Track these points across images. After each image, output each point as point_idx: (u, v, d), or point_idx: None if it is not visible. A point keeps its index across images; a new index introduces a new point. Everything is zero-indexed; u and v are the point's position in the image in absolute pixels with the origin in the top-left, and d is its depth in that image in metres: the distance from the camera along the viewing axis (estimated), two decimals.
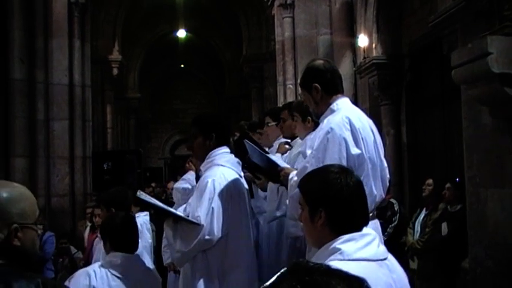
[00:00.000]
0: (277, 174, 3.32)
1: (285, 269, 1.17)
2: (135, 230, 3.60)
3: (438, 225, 6.30)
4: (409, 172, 8.14)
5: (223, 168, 3.52)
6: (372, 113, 7.78)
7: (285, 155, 4.31)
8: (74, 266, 7.45)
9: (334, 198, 2.02)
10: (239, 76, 18.59)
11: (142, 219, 5.25)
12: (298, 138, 4.16)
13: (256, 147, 3.51)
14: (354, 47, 8.84)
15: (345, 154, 2.89)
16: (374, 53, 8.27)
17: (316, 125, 3.41)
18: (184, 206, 3.62)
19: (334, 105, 3.10)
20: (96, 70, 13.29)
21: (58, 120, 9.95)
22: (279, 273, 1.17)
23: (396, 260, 2.09)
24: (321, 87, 3.13)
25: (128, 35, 17.77)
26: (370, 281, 1.18)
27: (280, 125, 4.46)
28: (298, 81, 9.14)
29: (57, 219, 9.58)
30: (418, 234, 6.53)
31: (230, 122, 15.61)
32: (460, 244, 5.53)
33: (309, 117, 3.72)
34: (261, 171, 3.51)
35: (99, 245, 4.42)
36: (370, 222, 3.02)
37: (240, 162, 3.67)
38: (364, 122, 3.06)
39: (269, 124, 4.83)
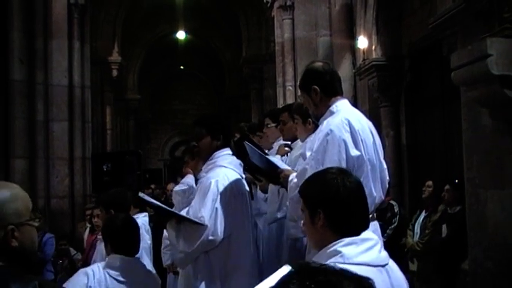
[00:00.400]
0: (277, 176, 3.32)
1: (289, 269, 1.17)
2: (136, 232, 3.59)
3: (438, 227, 6.30)
4: (409, 173, 8.14)
5: (226, 169, 3.53)
6: (372, 115, 7.78)
7: (285, 157, 4.30)
8: (74, 268, 7.43)
9: (331, 199, 2.02)
10: (239, 76, 18.59)
11: (141, 220, 5.24)
12: (298, 140, 4.16)
13: (256, 149, 3.52)
14: (353, 49, 8.85)
15: (344, 156, 2.89)
16: (373, 55, 8.27)
17: (316, 127, 3.41)
18: (187, 209, 3.63)
19: (333, 107, 3.10)
20: (95, 71, 13.29)
21: (58, 121, 9.94)
22: (282, 274, 1.17)
23: (397, 264, 2.09)
24: (320, 89, 3.14)
25: (128, 35, 17.78)
26: None
27: (280, 127, 4.45)
28: (298, 82, 9.15)
29: (56, 220, 9.57)
30: (417, 236, 6.54)
31: (230, 123, 15.61)
32: (459, 246, 5.53)
33: (310, 119, 3.72)
34: (261, 172, 3.52)
35: (99, 246, 4.42)
36: (370, 224, 3.03)
37: (242, 164, 3.68)
38: (363, 124, 3.07)
39: (269, 125, 4.83)
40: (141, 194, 3.51)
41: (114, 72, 15.94)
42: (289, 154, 4.30)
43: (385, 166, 3.20)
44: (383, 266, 1.98)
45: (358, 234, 1.99)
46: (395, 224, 6.86)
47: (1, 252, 1.96)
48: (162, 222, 3.71)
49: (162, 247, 5.91)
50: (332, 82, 3.18)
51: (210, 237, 3.33)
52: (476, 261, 4.92)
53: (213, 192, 3.39)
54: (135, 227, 3.62)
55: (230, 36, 19.41)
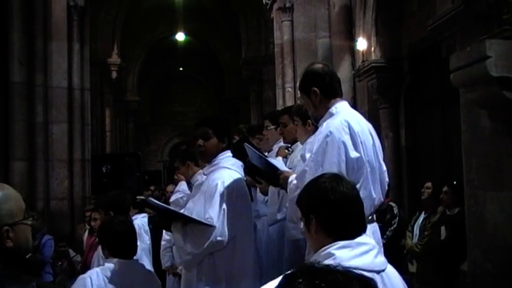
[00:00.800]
0: (276, 178, 3.32)
1: (292, 270, 1.18)
2: (133, 234, 3.58)
3: (437, 229, 6.31)
4: (408, 175, 8.15)
5: (230, 171, 3.54)
6: (371, 116, 7.78)
7: (285, 159, 4.31)
8: (73, 270, 7.44)
9: (321, 204, 2.04)
10: (238, 78, 18.61)
11: (140, 221, 5.26)
12: (298, 142, 4.16)
13: (256, 151, 3.52)
14: (352, 50, 8.85)
15: (343, 157, 2.90)
16: (373, 56, 8.28)
17: (316, 128, 3.41)
18: (182, 210, 3.63)
19: (333, 109, 3.11)
20: (95, 73, 13.31)
21: (57, 123, 9.94)
22: (285, 275, 1.17)
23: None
24: (320, 91, 3.14)
25: (128, 36, 17.79)
26: None
27: (281, 129, 4.45)
28: (297, 84, 9.15)
29: (56, 222, 9.57)
30: (417, 238, 6.53)
31: (230, 125, 15.63)
32: (458, 247, 5.53)
33: (309, 121, 3.72)
34: (261, 174, 3.52)
35: (99, 249, 4.41)
36: (370, 226, 3.03)
37: (243, 166, 3.68)
38: (363, 126, 3.07)
39: (268, 128, 4.83)
40: (147, 198, 3.51)
41: (114, 74, 15.97)
42: (289, 156, 4.30)
43: (384, 168, 3.20)
44: (378, 272, 1.97)
45: (352, 238, 1.99)
46: (395, 225, 6.86)
47: None
48: (165, 224, 3.68)
49: (162, 249, 5.91)
50: (332, 84, 3.18)
51: (219, 238, 3.33)
52: (476, 263, 4.92)
53: (220, 193, 3.40)
54: (132, 229, 3.61)
55: (230, 37, 19.42)
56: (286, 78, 10.15)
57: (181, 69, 24.22)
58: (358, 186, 2.94)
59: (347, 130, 2.94)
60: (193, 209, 3.52)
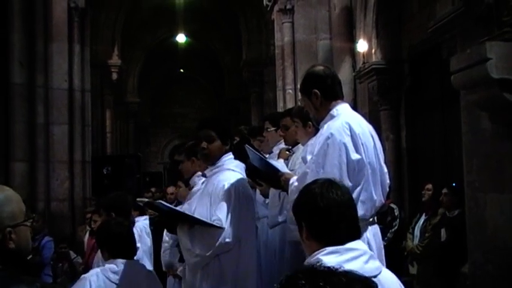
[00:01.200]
0: (277, 180, 3.32)
1: (293, 272, 1.18)
2: (131, 235, 3.58)
3: (437, 231, 6.30)
4: (409, 177, 8.14)
5: (234, 172, 3.54)
6: (371, 118, 7.79)
7: (286, 161, 4.31)
8: (74, 271, 7.44)
9: (310, 210, 2.04)
10: (239, 79, 18.61)
11: (142, 223, 5.25)
12: (299, 144, 4.16)
13: (257, 153, 3.52)
14: (353, 52, 8.85)
15: (344, 159, 2.90)
16: (373, 58, 8.28)
17: (317, 130, 3.42)
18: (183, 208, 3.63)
19: (334, 111, 3.11)
20: (95, 74, 13.32)
21: (58, 124, 9.95)
22: (286, 276, 1.18)
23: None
24: (321, 93, 3.14)
25: (128, 38, 17.81)
26: None
27: (282, 131, 4.44)
28: (298, 86, 9.14)
29: (56, 223, 9.57)
30: (417, 239, 6.54)
31: (230, 126, 15.63)
32: (459, 249, 5.53)
33: (310, 123, 3.72)
34: (261, 176, 3.52)
35: (99, 252, 4.42)
36: (371, 228, 3.04)
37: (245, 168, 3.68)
38: (364, 128, 3.07)
39: (268, 129, 4.83)
40: (156, 201, 3.51)
41: (114, 76, 15.99)
42: (290, 158, 4.30)
43: (385, 170, 3.21)
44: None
45: (344, 243, 1.97)
46: (396, 227, 6.86)
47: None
48: (170, 226, 3.67)
49: (162, 250, 5.91)
50: (333, 86, 3.19)
51: (227, 240, 3.33)
52: (476, 265, 4.92)
53: (228, 195, 3.40)
54: (129, 230, 3.61)
55: (230, 37, 19.43)
56: (287, 79, 10.15)
57: (181, 70, 24.23)
58: (359, 188, 2.95)
59: (348, 132, 2.94)
60: (191, 211, 3.52)
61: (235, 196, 3.41)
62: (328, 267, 1.19)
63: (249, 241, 3.52)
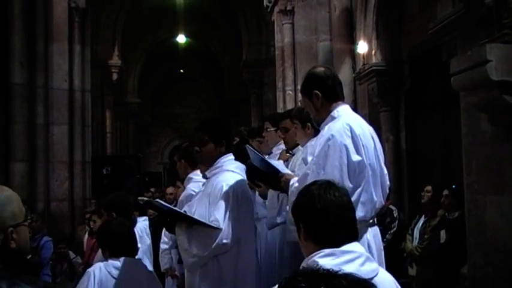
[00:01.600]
0: (278, 180, 3.32)
1: (293, 274, 1.18)
2: (132, 235, 3.61)
3: (437, 232, 6.31)
4: (408, 178, 8.14)
5: (234, 173, 3.54)
6: (371, 120, 7.79)
7: (286, 162, 4.30)
8: (73, 271, 7.43)
9: (307, 211, 2.05)
10: (239, 79, 18.61)
11: (142, 224, 5.26)
12: (299, 146, 4.16)
13: (258, 153, 3.53)
14: (353, 54, 8.86)
15: (345, 161, 2.90)
16: (373, 60, 8.28)
17: (316, 131, 3.42)
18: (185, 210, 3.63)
19: (334, 112, 3.11)
20: (95, 75, 13.31)
21: (58, 124, 9.95)
22: (286, 278, 1.18)
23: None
24: (322, 94, 3.15)
25: (128, 38, 17.81)
26: None
27: (282, 134, 4.44)
28: (298, 87, 9.14)
29: (56, 223, 9.57)
30: (417, 241, 6.54)
31: (230, 126, 15.67)
32: (459, 251, 5.53)
33: (309, 124, 3.72)
34: (262, 176, 3.52)
35: (99, 251, 4.42)
36: (371, 229, 3.04)
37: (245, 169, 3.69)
38: (364, 129, 3.08)
39: (268, 129, 4.83)
40: (154, 200, 3.53)
41: (114, 76, 16.00)
42: (290, 159, 4.31)
43: (385, 171, 3.21)
44: None
45: (341, 245, 1.98)
46: (395, 228, 6.86)
47: (0, 254, 2.00)
48: (168, 226, 3.68)
49: (160, 251, 5.91)
50: (334, 87, 3.19)
51: (224, 241, 3.33)
52: (476, 267, 4.92)
53: (226, 196, 3.40)
54: (130, 230, 3.63)
55: (230, 38, 19.44)
56: (287, 81, 10.15)
57: (181, 71, 24.25)
58: (359, 189, 2.95)
59: (349, 133, 2.95)
60: (192, 213, 3.52)
61: (234, 197, 3.41)
62: (328, 270, 1.19)
63: (248, 242, 3.52)
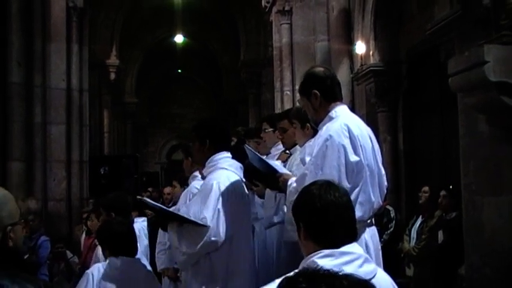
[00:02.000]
0: (276, 180, 3.33)
1: (293, 274, 1.18)
2: (132, 234, 3.61)
3: (434, 233, 6.32)
4: (406, 179, 8.16)
5: (227, 171, 3.54)
6: (369, 120, 7.79)
7: (284, 162, 4.30)
8: (70, 271, 7.42)
9: (307, 210, 2.06)
10: (237, 79, 18.61)
11: (140, 224, 5.27)
12: (297, 146, 4.16)
13: (256, 153, 3.53)
14: (351, 54, 8.87)
15: (343, 161, 2.91)
16: (371, 60, 8.30)
17: (314, 131, 3.42)
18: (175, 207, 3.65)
19: (332, 113, 3.12)
20: (93, 74, 13.29)
21: (55, 124, 9.92)
22: (286, 278, 1.18)
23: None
24: (321, 94, 3.15)
25: (126, 38, 17.79)
26: None
27: (280, 134, 4.43)
28: (296, 87, 9.15)
29: (53, 223, 9.54)
30: (414, 241, 6.55)
31: (228, 126, 15.63)
32: (456, 251, 5.54)
33: (308, 124, 3.72)
34: (260, 176, 3.52)
35: (98, 251, 4.42)
36: (368, 229, 3.05)
37: (242, 167, 3.68)
38: (362, 130, 3.08)
39: (266, 130, 4.83)
40: (143, 198, 3.53)
41: (112, 76, 15.99)
42: (289, 159, 4.31)
43: (383, 171, 3.21)
44: None
45: (341, 245, 1.99)
46: (392, 229, 6.88)
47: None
48: (162, 225, 3.71)
49: (156, 251, 5.91)
50: (332, 87, 3.19)
51: (213, 238, 3.33)
52: (473, 267, 4.93)
53: (215, 193, 3.40)
54: (131, 229, 3.64)
55: (228, 38, 19.43)
56: (285, 81, 10.15)
57: (179, 71, 24.24)
58: (357, 189, 2.96)
59: (347, 134, 2.95)
60: (189, 212, 3.54)
61: (223, 195, 3.41)
62: (329, 271, 1.19)
63: (241, 240, 3.51)
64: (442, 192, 6.33)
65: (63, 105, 10.06)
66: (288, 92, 10.09)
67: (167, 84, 24.81)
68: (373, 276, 2.01)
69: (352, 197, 2.84)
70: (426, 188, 6.66)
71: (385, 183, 3.25)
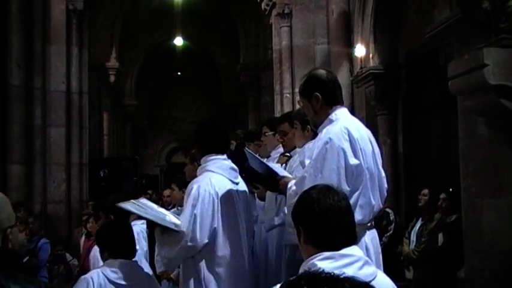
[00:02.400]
0: (276, 183, 3.32)
1: (295, 278, 1.18)
2: (131, 235, 3.61)
3: (434, 235, 6.32)
4: (406, 182, 8.16)
5: (212, 174, 3.54)
6: (369, 123, 7.79)
7: (284, 165, 4.30)
8: (70, 273, 7.42)
9: (307, 215, 2.08)
10: (236, 82, 18.61)
11: (139, 227, 5.25)
12: (297, 149, 4.16)
13: (256, 156, 3.53)
14: (351, 57, 8.89)
15: (343, 164, 2.91)
16: (371, 63, 8.31)
17: (314, 134, 3.42)
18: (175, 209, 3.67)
19: (332, 116, 3.11)
20: (93, 77, 13.29)
21: (55, 126, 9.94)
22: (287, 282, 1.18)
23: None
24: (322, 97, 3.15)
25: (126, 40, 17.80)
26: None
27: (280, 137, 4.43)
28: (296, 90, 9.15)
29: (53, 226, 9.55)
30: (413, 244, 6.55)
31: (228, 129, 15.62)
32: (456, 254, 5.54)
33: (309, 126, 3.72)
34: (260, 179, 3.52)
35: (95, 253, 4.41)
36: (369, 232, 3.05)
37: (236, 169, 3.67)
38: (362, 133, 3.08)
39: (266, 134, 4.83)
40: (119, 204, 3.49)
41: (112, 78, 15.99)
42: (288, 162, 4.30)
43: (383, 174, 3.21)
44: None
45: (340, 248, 2.00)
46: (391, 231, 6.88)
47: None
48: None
49: (155, 254, 5.91)
50: (334, 90, 3.19)
51: (189, 244, 3.33)
52: (473, 270, 4.93)
53: (194, 197, 3.40)
54: (130, 231, 3.63)
55: (228, 40, 19.44)
56: (284, 84, 10.16)
57: (179, 73, 24.25)
58: (357, 193, 2.96)
59: (347, 137, 2.95)
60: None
61: (204, 197, 3.40)
62: (330, 273, 1.20)
63: (229, 242, 3.47)
64: (442, 195, 6.33)
65: (63, 107, 10.07)
66: (288, 95, 10.09)
67: (167, 86, 24.81)
68: (373, 279, 2.01)
69: (352, 200, 2.85)
70: (426, 191, 6.66)
71: (385, 186, 3.24)
